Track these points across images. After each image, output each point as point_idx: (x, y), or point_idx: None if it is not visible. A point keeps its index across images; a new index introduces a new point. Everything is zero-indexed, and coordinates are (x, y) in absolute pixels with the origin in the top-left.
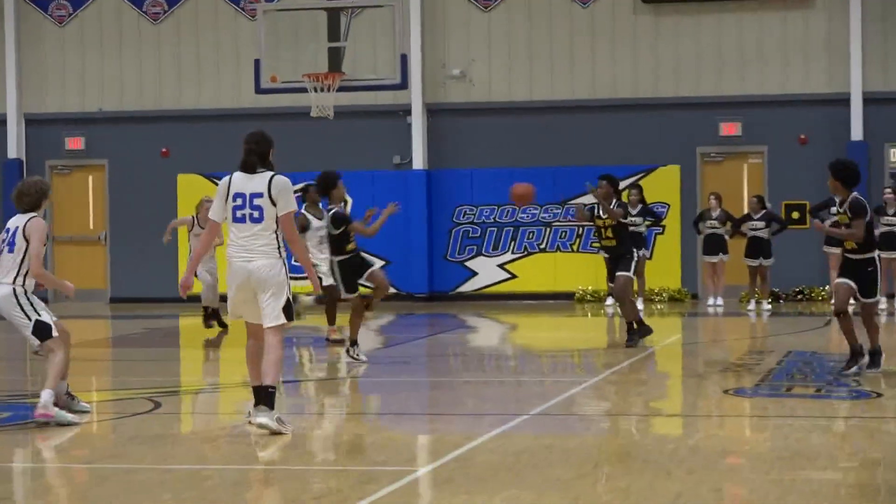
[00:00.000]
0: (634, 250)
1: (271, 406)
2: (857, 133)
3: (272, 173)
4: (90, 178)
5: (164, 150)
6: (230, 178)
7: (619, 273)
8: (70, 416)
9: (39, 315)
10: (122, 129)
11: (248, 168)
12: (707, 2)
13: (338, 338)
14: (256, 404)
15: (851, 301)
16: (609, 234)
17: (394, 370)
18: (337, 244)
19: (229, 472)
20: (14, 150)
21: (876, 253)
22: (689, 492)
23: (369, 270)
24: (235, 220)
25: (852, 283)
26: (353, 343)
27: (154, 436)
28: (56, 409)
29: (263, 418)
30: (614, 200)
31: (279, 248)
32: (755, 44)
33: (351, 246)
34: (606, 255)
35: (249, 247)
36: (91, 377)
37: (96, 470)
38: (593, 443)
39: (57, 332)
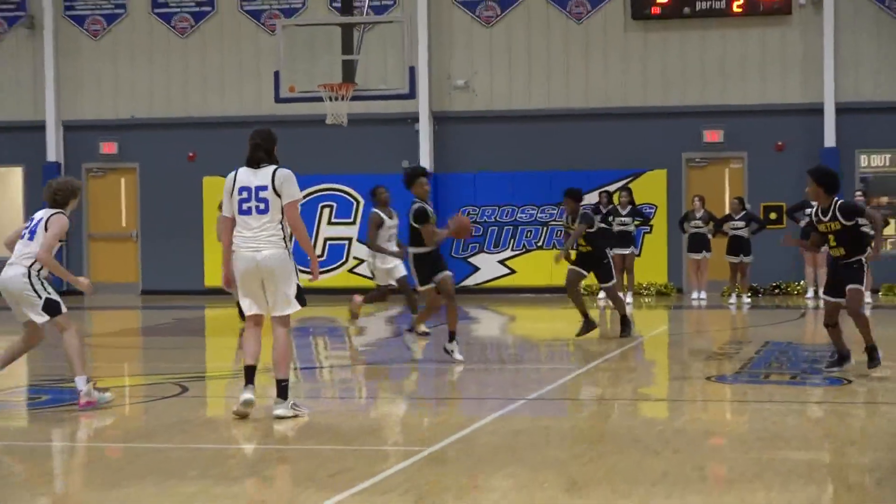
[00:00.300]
0: (607, 250)
1: (285, 397)
2: (830, 140)
3: (276, 167)
4: (123, 180)
5: (190, 154)
6: (235, 174)
7: (603, 285)
8: (108, 395)
9: (50, 294)
10: (152, 134)
11: (254, 163)
12: (691, 18)
13: (425, 330)
14: (246, 383)
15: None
16: (581, 241)
17: (403, 357)
18: (415, 237)
19: (251, 452)
20: (53, 153)
21: (864, 255)
22: (674, 470)
23: (441, 274)
24: (241, 212)
25: (840, 301)
26: (410, 330)
27: (181, 417)
28: (96, 392)
29: (280, 410)
30: (580, 212)
31: (285, 238)
32: (736, 57)
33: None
34: (573, 261)
35: (258, 237)
36: (123, 363)
37: (130, 448)
38: (586, 425)
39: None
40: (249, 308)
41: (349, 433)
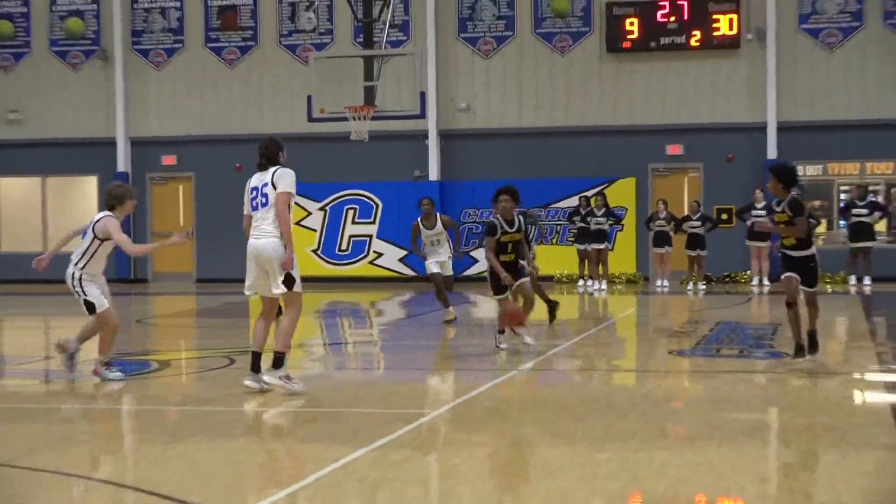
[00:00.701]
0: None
1: (277, 367)
2: (772, 153)
3: (278, 167)
4: (181, 187)
5: (238, 165)
6: (250, 179)
7: (522, 280)
8: (117, 375)
9: (87, 296)
10: (205, 148)
11: (260, 167)
12: (656, 51)
13: (451, 318)
14: (253, 368)
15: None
16: (510, 248)
17: (414, 335)
18: (499, 248)
19: (286, 414)
20: (122, 164)
21: (815, 248)
22: (641, 429)
23: (519, 281)
24: (252, 208)
25: (797, 276)
26: (501, 332)
27: (229, 385)
28: (106, 370)
29: (267, 377)
30: (517, 214)
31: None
32: (693, 84)
33: (508, 254)
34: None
35: (260, 227)
36: (181, 340)
37: (185, 412)
38: (566, 392)
39: (106, 307)
40: (247, 288)
41: (368, 399)
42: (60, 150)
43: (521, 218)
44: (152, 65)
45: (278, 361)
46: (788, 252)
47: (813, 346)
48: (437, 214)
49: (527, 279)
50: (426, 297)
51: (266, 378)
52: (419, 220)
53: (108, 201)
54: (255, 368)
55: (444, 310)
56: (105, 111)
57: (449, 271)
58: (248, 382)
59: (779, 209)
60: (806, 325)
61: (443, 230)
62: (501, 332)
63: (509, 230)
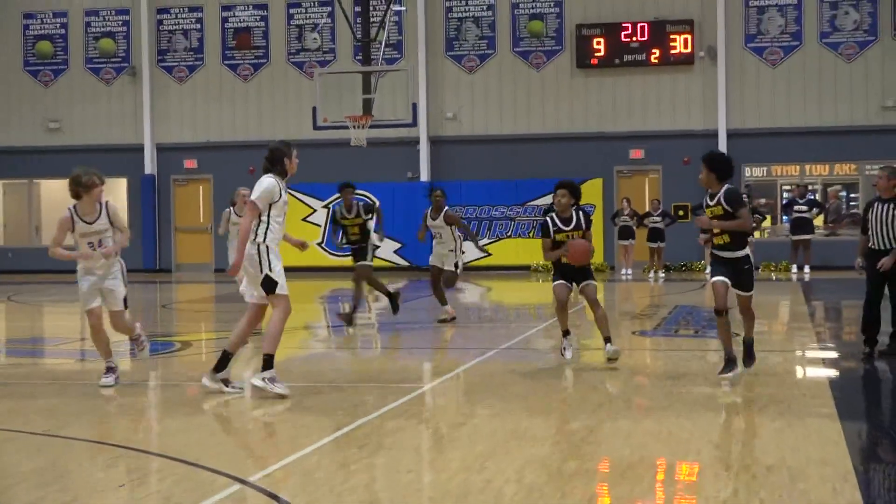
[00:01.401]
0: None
1: (264, 369)
2: None
3: (263, 175)
4: (200, 187)
5: (251, 168)
6: None
7: (360, 263)
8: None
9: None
10: (222, 153)
11: (262, 173)
12: (621, 67)
13: (445, 318)
14: (217, 369)
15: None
16: (355, 230)
17: (406, 318)
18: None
19: (298, 387)
20: (148, 168)
21: (749, 249)
22: (608, 401)
23: (584, 283)
24: None
25: (727, 280)
26: (566, 333)
27: (242, 363)
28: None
29: (254, 379)
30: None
31: (256, 233)
32: (654, 95)
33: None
34: (351, 250)
35: None
36: (201, 322)
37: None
38: (542, 367)
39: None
40: (240, 291)
41: (367, 374)
42: (94, 155)
43: (579, 213)
44: (175, 79)
45: (266, 363)
46: (719, 253)
47: (749, 357)
48: (445, 209)
49: (591, 282)
50: (417, 285)
51: (252, 380)
52: (428, 210)
53: (74, 190)
54: (217, 368)
55: (441, 307)
56: (133, 120)
57: (450, 266)
58: (204, 381)
59: (712, 202)
60: (743, 332)
61: (444, 225)
62: (566, 333)
63: (565, 228)
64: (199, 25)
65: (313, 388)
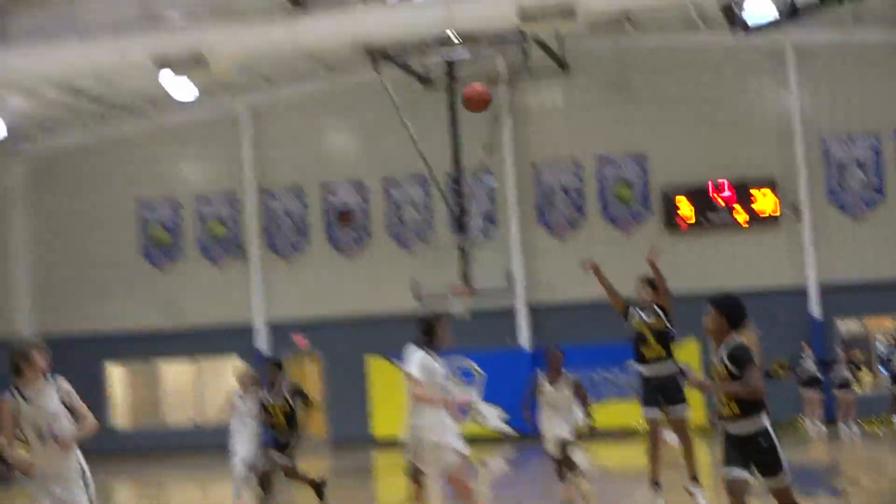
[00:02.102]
0: None
1: None
2: (815, 312)
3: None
4: (310, 363)
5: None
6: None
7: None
8: None
9: None
10: (331, 331)
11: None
12: (707, 228)
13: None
14: None
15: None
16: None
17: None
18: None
19: None
20: (262, 345)
21: (766, 419)
22: None
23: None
24: None
25: (747, 475)
26: (655, 484)
27: None
28: None
29: None
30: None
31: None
32: (741, 254)
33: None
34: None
35: None
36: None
37: None
38: None
39: None
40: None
41: None
42: (208, 335)
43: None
44: (283, 259)
45: None
46: (729, 429)
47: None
48: (564, 372)
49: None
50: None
51: None
52: (542, 373)
53: (15, 364)
54: None
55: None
56: (242, 298)
57: (571, 439)
58: None
59: (717, 360)
60: None
61: (568, 393)
62: (656, 484)
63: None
64: (303, 208)
65: None
